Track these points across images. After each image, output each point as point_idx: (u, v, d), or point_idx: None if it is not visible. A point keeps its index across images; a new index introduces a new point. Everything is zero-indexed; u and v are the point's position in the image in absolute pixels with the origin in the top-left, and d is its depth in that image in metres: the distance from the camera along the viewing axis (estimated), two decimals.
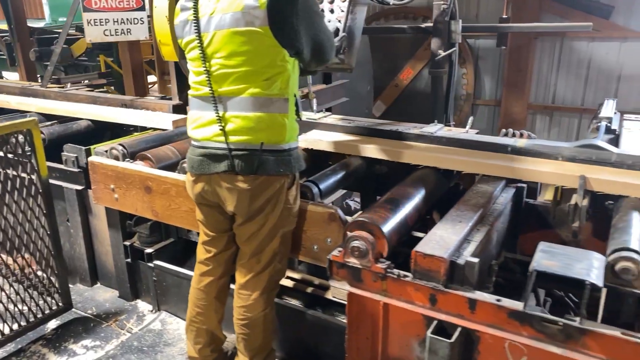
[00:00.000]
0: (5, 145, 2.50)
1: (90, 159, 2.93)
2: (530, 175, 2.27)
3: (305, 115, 3.09)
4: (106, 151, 2.94)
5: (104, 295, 3.28)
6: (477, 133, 2.67)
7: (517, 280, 2.24)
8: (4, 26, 6.82)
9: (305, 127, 2.99)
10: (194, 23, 1.98)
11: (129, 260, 3.08)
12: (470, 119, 2.67)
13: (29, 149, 2.60)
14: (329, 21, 2.57)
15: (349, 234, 1.90)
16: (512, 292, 1.84)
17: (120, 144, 2.94)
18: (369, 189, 2.94)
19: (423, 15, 5.94)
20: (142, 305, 3.15)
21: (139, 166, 2.75)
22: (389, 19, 6.10)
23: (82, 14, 3.73)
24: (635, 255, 1.59)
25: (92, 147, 3.03)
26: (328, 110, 3.95)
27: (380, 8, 6.32)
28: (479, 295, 1.70)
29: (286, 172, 2.03)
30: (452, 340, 1.66)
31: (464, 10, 5.85)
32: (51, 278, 2.87)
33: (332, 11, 2.58)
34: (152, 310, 3.08)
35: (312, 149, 2.81)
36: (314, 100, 3.19)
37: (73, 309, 3.07)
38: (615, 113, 3.77)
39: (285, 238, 2.16)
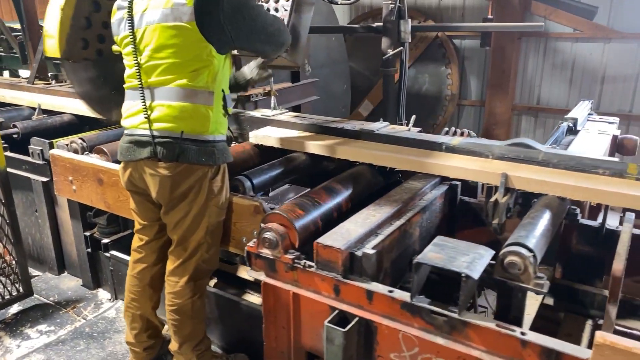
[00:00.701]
0: None
1: (51, 151, 3.04)
2: (456, 172, 2.30)
3: (261, 112, 3.16)
4: (67, 144, 3.06)
5: (69, 284, 3.40)
6: (419, 131, 2.71)
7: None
8: (17, 25, 7.06)
9: (260, 123, 3.05)
10: (129, 20, 2.10)
11: (89, 250, 3.20)
12: (413, 117, 2.70)
13: None
14: None
15: (262, 225, 1.96)
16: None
17: (80, 138, 3.06)
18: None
19: (409, 15, 5.94)
20: (102, 294, 3.26)
21: (92, 159, 2.86)
22: (376, 19, 6.13)
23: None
24: (521, 250, 1.61)
25: (54, 140, 3.14)
26: (297, 108, 4.02)
27: (369, 8, 6.37)
28: (374, 286, 1.74)
29: (208, 162, 2.11)
30: (346, 329, 1.71)
31: (449, 10, 5.86)
32: (11, 265, 3.00)
33: (276, 10, 2.65)
34: (109, 299, 3.18)
35: (262, 145, 2.88)
36: (273, 98, 3.27)
37: (35, 296, 3.20)
38: (591, 114, 3.78)
39: (212, 228, 2.23)
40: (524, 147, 2.32)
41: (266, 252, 1.95)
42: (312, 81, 4.06)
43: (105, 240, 3.09)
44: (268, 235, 1.93)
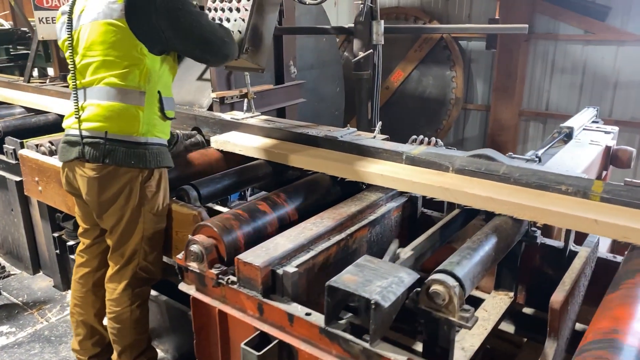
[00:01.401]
0: None
1: (19, 152, 3.03)
2: (407, 186, 2.15)
3: (231, 115, 3.06)
4: (36, 145, 3.03)
5: (41, 284, 3.39)
6: (385, 139, 2.56)
7: None
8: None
9: (229, 127, 2.96)
10: (68, 23, 2.11)
11: (57, 251, 3.17)
12: (379, 124, 2.56)
13: None
14: (234, 20, 2.54)
15: (189, 237, 1.87)
16: None
17: (49, 140, 3.03)
18: None
19: (414, 15, 5.78)
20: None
21: (54, 160, 2.82)
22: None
23: (33, 12, 3.87)
24: (447, 279, 1.46)
25: (25, 140, 3.13)
26: (281, 111, 3.92)
27: None
28: (293, 307, 1.62)
29: (138, 165, 2.04)
30: (261, 352, 1.60)
31: (455, 10, 5.65)
32: None
33: (237, 10, 2.55)
34: None
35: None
36: (246, 100, 3.18)
37: (5, 295, 3.20)
38: (596, 121, 3.55)
39: (148, 235, 2.15)
40: (486, 159, 2.15)
41: (193, 265, 1.86)
42: (298, 83, 3.95)
43: (70, 243, 3.05)
44: (194, 248, 1.82)
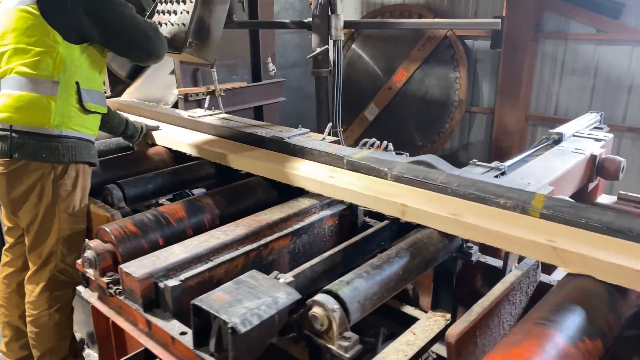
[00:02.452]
0: None
1: None
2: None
3: (189, 113, 2.94)
4: None
5: None
6: (333, 142, 2.38)
7: None
8: None
9: (184, 125, 2.84)
10: None
11: None
12: (329, 125, 2.38)
13: None
14: (180, 12, 2.42)
15: (86, 241, 1.74)
16: None
17: None
18: None
19: (418, 13, 5.53)
20: None
21: None
22: (384, 17, 5.75)
23: None
24: (327, 300, 1.28)
25: None
26: (258, 110, 3.78)
27: (380, 5, 5.99)
28: (171, 325, 1.47)
29: (50, 159, 1.94)
30: None
31: (462, 8, 5.37)
32: None
33: (184, 2, 2.43)
34: None
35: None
36: (208, 98, 3.06)
37: None
38: (601, 128, 3.28)
39: (65, 236, 2.05)
40: (426, 166, 1.94)
41: (89, 272, 1.73)
42: (278, 81, 3.80)
43: None
44: (87, 253, 1.70)
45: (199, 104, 3.27)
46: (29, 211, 2.00)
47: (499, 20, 2.45)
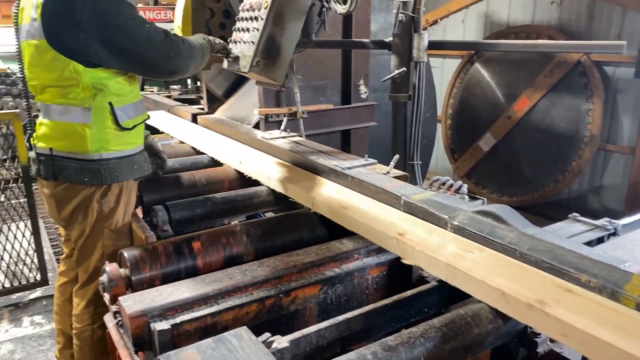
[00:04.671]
0: None
1: None
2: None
3: (262, 134, 2.83)
4: None
5: None
6: (398, 177, 2.07)
7: None
8: None
9: (256, 146, 2.74)
10: (15, 32, 2.00)
11: None
12: (395, 157, 2.08)
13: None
14: (252, 30, 2.32)
15: (105, 264, 1.67)
16: None
17: None
18: None
19: (548, 35, 4.91)
20: None
21: None
22: (509, 39, 5.20)
23: None
24: None
25: None
26: (346, 135, 3.57)
27: (506, 26, 5.46)
28: None
29: (92, 182, 1.91)
30: None
31: (602, 29, 4.64)
32: (29, 253, 3.23)
33: (256, 19, 2.33)
34: None
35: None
36: (285, 120, 2.93)
37: (53, 285, 3.39)
38: None
39: (109, 252, 2.02)
40: (494, 219, 1.56)
41: (105, 296, 1.66)
42: (369, 105, 3.55)
43: None
44: (103, 277, 1.62)
45: (280, 125, 3.15)
46: (77, 228, 2.01)
47: (624, 43, 1.96)
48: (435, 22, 6.39)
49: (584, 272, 1.27)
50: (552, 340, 1.37)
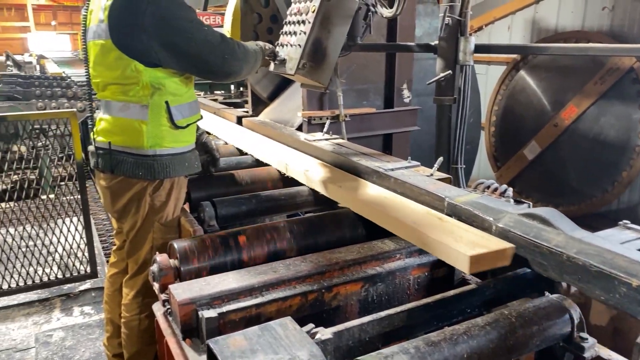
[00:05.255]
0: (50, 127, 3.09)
1: None
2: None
3: (304, 136, 2.88)
4: None
5: None
6: (441, 179, 2.06)
7: None
8: None
9: (300, 148, 2.79)
10: (83, 33, 2.12)
11: None
12: (439, 159, 2.08)
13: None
14: (299, 33, 2.38)
15: (156, 254, 1.74)
16: None
17: None
18: None
19: (599, 41, 4.76)
20: None
21: None
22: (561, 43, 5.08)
23: None
24: None
25: None
26: (388, 139, 3.57)
27: (554, 32, 5.34)
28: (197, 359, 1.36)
29: (146, 176, 2.00)
30: None
31: None
32: (80, 247, 3.38)
33: (303, 22, 2.39)
34: None
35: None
36: (328, 122, 2.98)
37: (102, 278, 3.54)
38: None
39: (158, 245, 2.11)
40: (541, 222, 1.54)
41: (155, 285, 1.73)
42: (412, 109, 3.54)
43: None
44: (153, 267, 1.70)
45: (323, 127, 3.20)
46: (129, 220, 2.11)
47: None
48: (480, 29, 6.31)
49: (635, 277, 1.24)
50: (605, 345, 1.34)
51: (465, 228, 1.64)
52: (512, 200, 1.88)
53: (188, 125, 2.09)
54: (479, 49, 2.23)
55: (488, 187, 1.97)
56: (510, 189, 1.92)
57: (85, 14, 2.08)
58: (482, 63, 6.13)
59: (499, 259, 1.45)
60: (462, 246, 1.44)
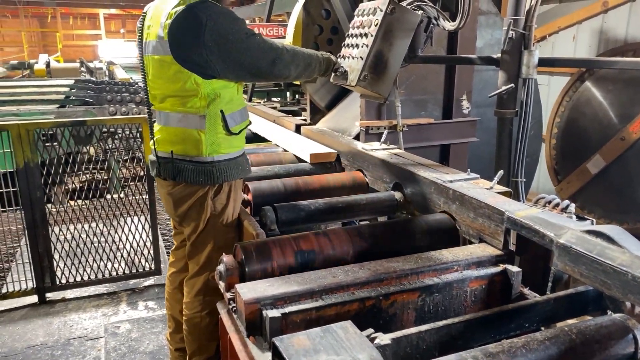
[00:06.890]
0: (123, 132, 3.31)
1: None
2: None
3: (362, 145, 2.94)
4: None
5: None
6: (501, 193, 2.06)
7: None
8: None
9: (357, 157, 2.85)
10: (139, 46, 2.23)
11: None
12: (499, 172, 2.08)
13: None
14: (361, 46, 2.45)
15: (223, 255, 1.84)
16: None
17: None
18: None
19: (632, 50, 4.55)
20: None
21: None
22: (626, 56, 4.88)
23: None
24: None
25: None
26: (445, 150, 3.57)
27: (623, 42, 5.14)
28: (262, 357, 1.44)
29: (207, 182, 2.12)
30: None
31: None
32: (146, 244, 3.58)
33: (365, 35, 2.46)
34: None
35: None
36: (385, 132, 3.03)
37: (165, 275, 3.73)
38: None
39: (220, 245, 2.21)
40: (605, 239, 1.52)
41: (220, 284, 1.83)
42: (471, 120, 3.52)
43: None
44: (219, 266, 1.80)
45: (380, 137, 3.24)
46: (191, 224, 2.23)
47: None
48: (543, 39, 6.15)
49: None
50: None
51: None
52: (574, 217, 1.86)
53: (240, 131, 2.20)
54: (543, 62, 2.21)
55: (549, 202, 1.95)
56: (573, 205, 1.89)
57: (140, 26, 2.19)
58: (544, 74, 5.97)
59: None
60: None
